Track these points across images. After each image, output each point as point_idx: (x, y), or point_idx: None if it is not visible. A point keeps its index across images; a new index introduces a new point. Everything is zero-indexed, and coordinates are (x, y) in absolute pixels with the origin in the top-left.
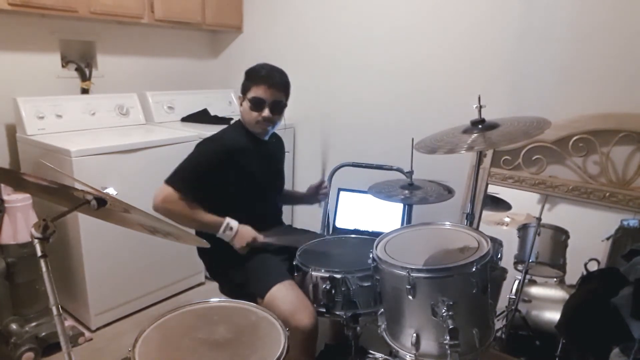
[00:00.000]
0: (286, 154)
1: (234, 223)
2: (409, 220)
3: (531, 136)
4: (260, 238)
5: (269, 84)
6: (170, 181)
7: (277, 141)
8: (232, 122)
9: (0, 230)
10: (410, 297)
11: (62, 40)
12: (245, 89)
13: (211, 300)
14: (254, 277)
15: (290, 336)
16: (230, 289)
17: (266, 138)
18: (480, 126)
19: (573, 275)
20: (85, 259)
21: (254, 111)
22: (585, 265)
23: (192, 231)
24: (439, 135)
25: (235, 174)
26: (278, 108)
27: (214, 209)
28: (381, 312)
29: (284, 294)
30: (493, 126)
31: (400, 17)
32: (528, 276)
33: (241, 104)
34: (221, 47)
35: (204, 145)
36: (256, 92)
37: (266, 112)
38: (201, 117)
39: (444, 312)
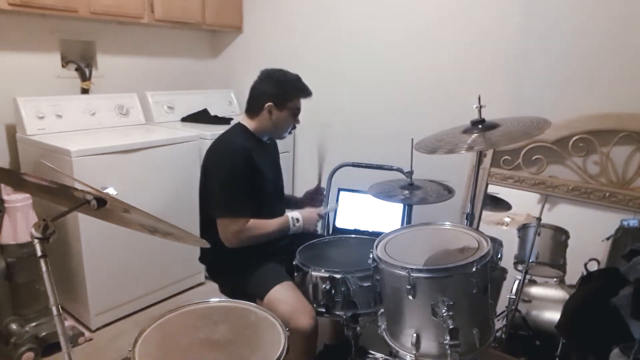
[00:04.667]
0: (286, 154)
1: (295, 214)
2: (409, 220)
3: (531, 136)
4: (322, 211)
5: (307, 96)
6: (225, 214)
7: (271, 142)
8: (231, 122)
9: (0, 230)
10: (410, 297)
11: (62, 40)
12: (285, 99)
13: (211, 300)
14: (253, 279)
15: (289, 337)
16: (230, 291)
17: (265, 139)
18: (480, 126)
19: (573, 275)
20: (85, 259)
21: (292, 120)
22: (585, 265)
23: (192, 231)
24: (439, 136)
25: (254, 176)
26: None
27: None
28: (381, 312)
29: (284, 295)
30: (493, 126)
31: (400, 17)
32: (528, 276)
33: (270, 112)
34: (221, 47)
35: (226, 159)
36: (298, 103)
37: (298, 120)
38: (201, 117)
39: (444, 312)
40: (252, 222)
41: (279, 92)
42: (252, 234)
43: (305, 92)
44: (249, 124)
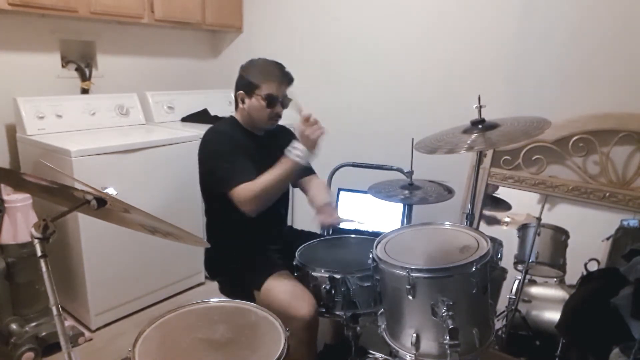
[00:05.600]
0: None
1: (295, 144)
2: (409, 220)
3: (531, 136)
4: (305, 114)
5: (282, 80)
6: (231, 185)
7: (281, 134)
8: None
9: (0, 230)
10: (410, 297)
11: (62, 40)
12: (253, 87)
13: (211, 300)
14: (250, 270)
15: (289, 327)
16: (228, 285)
17: (259, 133)
18: (480, 126)
19: (573, 275)
20: (85, 259)
21: (268, 108)
22: (585, 265)
23: (192, 231)
24: (439, 135)
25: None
26: (286, 102)
27: (214, 212)
28: (381, 312)
29: (281, 283)
30: (493, 126)
31: (400, 17)
32: (528, 276)
33: (243, 101)
34: (221, 47)
35: (210, 141)
36: (269, 89)
37: (279, 108)
38: (201, 117)
39: (444, 312)
40: (257, 180)
41: (244, 80)
42: (262, 187)
43: (272, 77)
44: (237, 117)
